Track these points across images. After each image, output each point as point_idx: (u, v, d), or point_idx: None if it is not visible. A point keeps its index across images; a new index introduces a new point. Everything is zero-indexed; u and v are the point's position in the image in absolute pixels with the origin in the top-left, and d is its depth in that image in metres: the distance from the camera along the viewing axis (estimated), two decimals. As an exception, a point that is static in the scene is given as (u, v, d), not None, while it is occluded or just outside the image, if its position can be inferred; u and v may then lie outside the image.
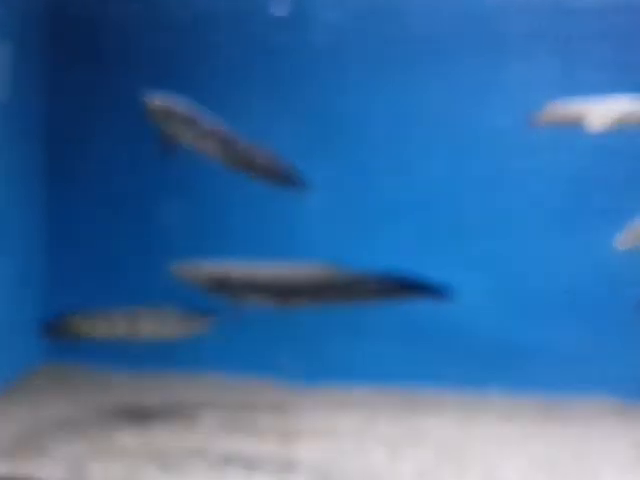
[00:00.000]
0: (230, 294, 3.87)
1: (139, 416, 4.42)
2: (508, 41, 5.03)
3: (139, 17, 5.24)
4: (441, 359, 5.08)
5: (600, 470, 3.66)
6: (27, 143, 5.40)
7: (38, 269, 5.56)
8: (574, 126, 4.12)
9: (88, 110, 5.35)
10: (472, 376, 5.02)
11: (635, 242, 4.23)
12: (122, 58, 5.32)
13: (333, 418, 4.47)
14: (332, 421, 4.40)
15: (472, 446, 3.98)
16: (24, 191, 5.38)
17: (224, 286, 3.87)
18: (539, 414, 4.69)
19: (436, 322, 4.93)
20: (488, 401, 4.95)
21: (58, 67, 5.46)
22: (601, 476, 3.58)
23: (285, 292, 3.84)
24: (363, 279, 3.83)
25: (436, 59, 5.12)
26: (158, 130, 3.80)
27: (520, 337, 5.00)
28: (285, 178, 4.15)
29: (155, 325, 4.01)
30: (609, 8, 4.82)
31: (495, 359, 5.02)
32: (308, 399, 4.93)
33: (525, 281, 5.03)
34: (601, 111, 4.06)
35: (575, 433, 4.27)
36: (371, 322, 5.00)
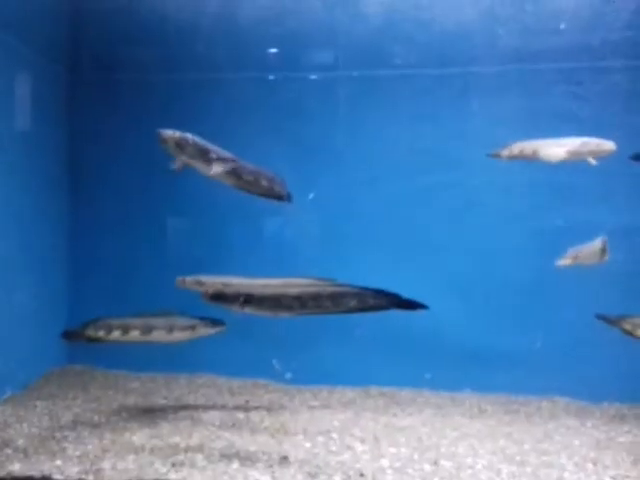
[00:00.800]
0: (226, 304, 3.96)
1: (148, 416, 4.47)
2: (477, 82, 5.25)
3: (150, 56, 5.39)
4: (418, 364, 5.25)
5: (561, 465, 3.70)
6: (50, 168, 5.53)
7: (61, 281, 5.68)
8: (532, 161, 4.28)
9: (106, 137, 5.51)
10: (446, 379, 5.21)
11: (572, 263, 4.35)
12: (137, 91, 5.47)
13: (321, 417, 4.54)
14: (320, 419, 4.47)
15: (445, 442, 4.06)
16: (48, 211, 5.51)
17: (221, 297, 4.00)
18: (506, 414, 4.79)
19: (414, 331, 5.09)
20: (460, 401, 5.07)
21: (78, 98, 5.62)
22: (562, 470, 3.62)
23: (277, 303, 3.96)
24: (346, 293, 3.93)
25: (412, 98, 5.34)
26: (169, 158, 3.89)
27: (488, 344, 5.15)
28: (285, 197, 4.29)
29: (167, 332, 4.08)
30: (566, 52, 5.04)
31: (466, 364, 5.19)
32: (298, 400, 5.02)
33: (492, 295, 5.19)
34: (555, 148, 4.21)
35: (538, 431, 4.33)
36: (356, 330, 5.17)
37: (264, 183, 4.09)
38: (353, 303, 3.90)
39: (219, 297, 3.93)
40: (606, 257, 4.34)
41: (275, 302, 3.89)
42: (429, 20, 5.24)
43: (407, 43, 5.28)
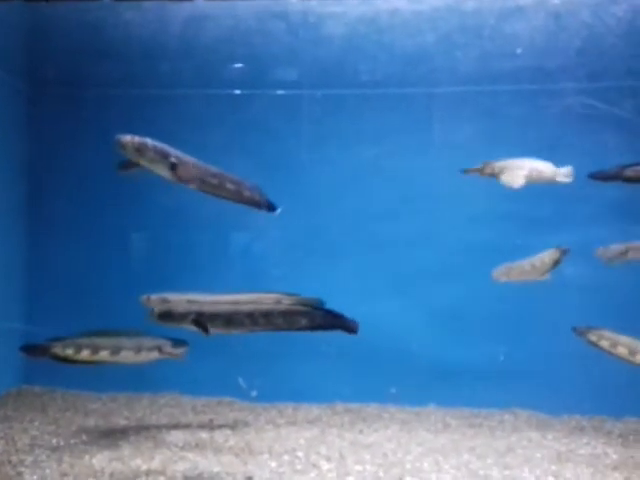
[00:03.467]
0: (175, 323, 3.85)
1: (109, 437, 4.31)
2: (437, 102, 5.31)
3: (113, 72, 5.29)
4: (384, 379, 5.20)
5: (524, 479, 3.67)
6: (8, 183, 5.33)
7: (16, 300, 5.45)
8: (495, 178, 4.29)
9: (66, 152, 5.37)
10: (411, 394, 5.17)
11: (508, 277, 4.37)
12: (98, 107, 5.35)
13: (287, 435, 4.45)
14: (286, 438, 4.38)
15: (410, 458, 4.01)
16: (5, 227, 5.30)
17: (169, 316, 3.85)
18: (469, 427, 4.77)
19: (379, 347, 5.04)
20: (425, 416, 5.03)
21: (38, 112, 5.46)
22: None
23: (229, 321, 3.88)
24: (297, 311, 3.92)
25: (374, 117, 5.36)
26: (128, 164, 3.78)
27: (452, 359, 5.15)
28: (255, 201, 4.14)
29: (135, 352, 3.95)
30: (524, 73, 5.15)
31: (431, 379, 5.17)
32: (264, 417, 4.91)
33: (455, 311, 5.19)
34: (516, 173, 4.17)
35: (501, 445, 4.31)
36: (321, 346, 5.09)
37: (230, 186, 3.99)
38: (304, 322, 3.93)
39: (167, 316, 3.85)
40: (547, 273, 4.34)
41: (226, 320, 3.84)
42: (390, 43, 5.30)
43: (369, 64, 5.31)
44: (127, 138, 3.61)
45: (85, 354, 3.88)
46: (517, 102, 5.17)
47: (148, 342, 4.02)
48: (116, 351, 3.92)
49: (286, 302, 4.08)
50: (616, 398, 5.00)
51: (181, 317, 3.80)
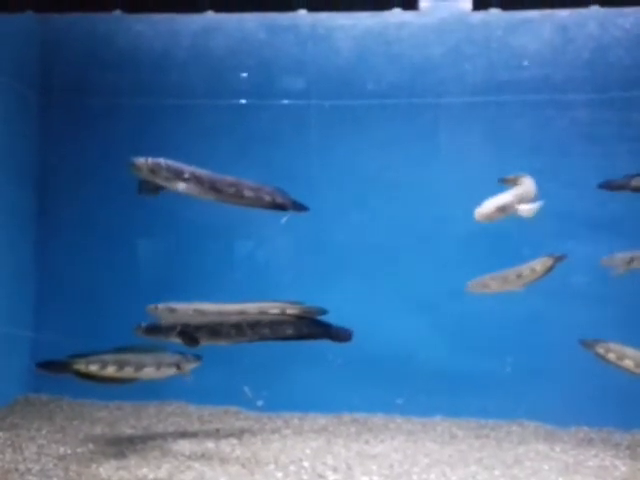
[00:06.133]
0: (162, 336, 3.94)
1: (116, 446, 4.30)
2: (444, 113, 5.31)
3: (122, 81, 5.34)
4: (390, 389, 5.17)
5: None
6: (18, 193, 5.36)
7: (26, 308, 5.46)
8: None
9: (76, 161, 5.39)
10: (417, 405, 5.14)
11: (482, 290, 4.34)
12: (108, 116, 5.38)
13: (293, 445, 4.43)
14: (292, 448, 4.36)
15: (417, 469, 3.98)
16: (14, 236, 5.32)
17: (156, 330, 3.93)
18: (476, 439, 4.74)
19: (385, 357, 5.02)
20: (431, 427, 4.99)
21: (48, 121, 5.49)
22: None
23: (215, 332, 3.92)
24: (283, 321, 3.96)
25: (382, 128, 5.36)
26: (142, 183, 3.81)
27: (459, 369, 5.11)
28: (278, 204, 4.16)
29: (156, 369, 3.96)
30: (530, 86, 5.17)
31: (437, 389, 5.13)
32: (270, 427, 4.89)
33: (462, 322, 5.15)
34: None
35: (509, 456, 4.27)
36: (327, 356, 5.09)
37: (248, 194, 4.01)
38: (290, 331, 3.96)
39: (154, 330, 3.90)
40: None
41: (213, 331, 3.88)
42: (398, 54, 5.33)
43: (377, 75, 5.34)
44: (141, 160, 3.67)
45: (111, 370, 3.85)
46: (524, 114, 5.18)
47: (167, 358, 4.03)
48: (139, 367, 3.91)
49: (291, 311, 4.10)
50: (624, 410, 4.95)
51: (168, 330, 3.83)
